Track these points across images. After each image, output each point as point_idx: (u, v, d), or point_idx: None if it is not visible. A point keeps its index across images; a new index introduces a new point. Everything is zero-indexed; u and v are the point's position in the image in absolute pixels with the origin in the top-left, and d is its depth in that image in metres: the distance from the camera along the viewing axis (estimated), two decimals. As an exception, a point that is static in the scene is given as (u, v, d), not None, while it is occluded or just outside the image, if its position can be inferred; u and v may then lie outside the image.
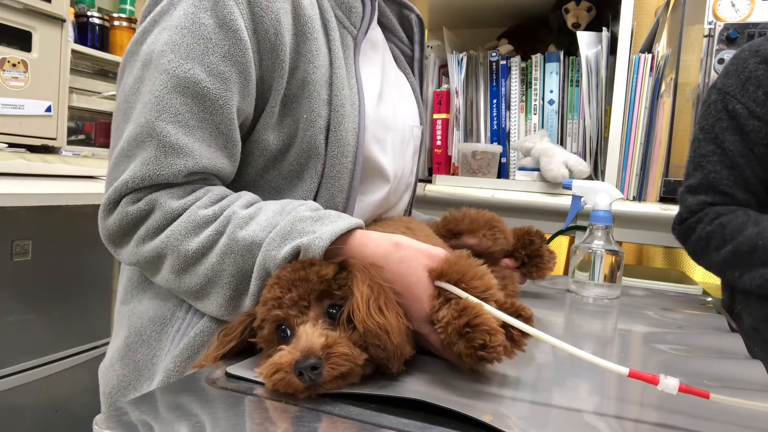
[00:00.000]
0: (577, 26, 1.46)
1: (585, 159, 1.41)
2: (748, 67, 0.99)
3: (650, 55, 1.33)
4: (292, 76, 0.68)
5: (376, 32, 0.84)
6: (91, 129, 1.89)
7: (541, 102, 1.48)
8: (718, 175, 1.01)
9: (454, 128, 1.54)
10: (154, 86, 0.61)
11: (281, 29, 0.65)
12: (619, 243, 1.10)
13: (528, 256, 0.89)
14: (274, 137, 0.68)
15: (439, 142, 1.59)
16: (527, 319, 0.50)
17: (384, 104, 0.80)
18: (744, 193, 1.00)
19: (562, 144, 1.46)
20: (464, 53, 1.52)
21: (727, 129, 1.00)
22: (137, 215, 0.61)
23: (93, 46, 1.84)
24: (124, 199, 0.62)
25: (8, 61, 1.35)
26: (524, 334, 0.49)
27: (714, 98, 1.03)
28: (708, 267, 1.05)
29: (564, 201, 1.35)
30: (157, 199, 0.61)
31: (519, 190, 1.42)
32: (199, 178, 0.64)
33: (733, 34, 1.25)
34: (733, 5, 1.27)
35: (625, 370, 0.46)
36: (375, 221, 0.81)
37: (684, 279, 1.32)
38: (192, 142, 0.61)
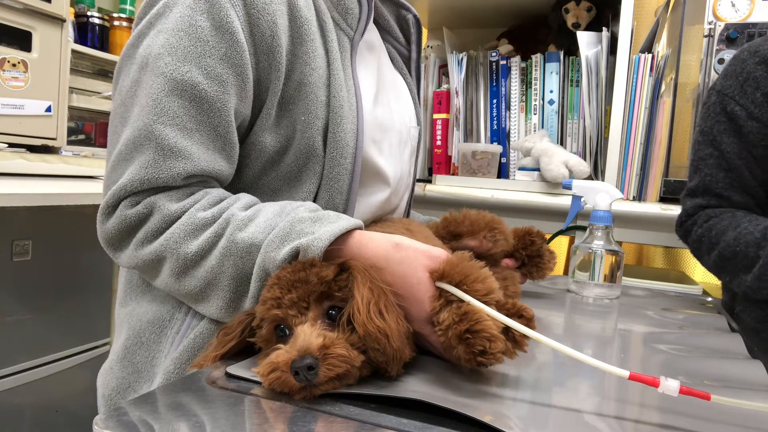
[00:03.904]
0: (577, 26, 1.46)
1: (585, 159, 1.41)
2: (747, 68, 0.98)
3: (650, 55, 1.33)
4: (288, 78, 0.67)
5: (372, 33, 0.84)
6: (91, 129, 1.89)
7: (541, 102, 1.48)
8: (713, 178, 1.00)
9: (454, 128, 1.54)
10: (152, 89, 0.61)
11: (277, 31, 0.65)
12: (619, 243, 1.10)
13: (528, 256, 0.89)
14: (272, 139, 0.68)
15: (439, 142, 1.58)
16: (529, 320, 0.50)
17: (380, 106, 0.79)
18: (741, 196, 0.99)
19: (562, 144, 1.46)
20: (464, 53, 1.52)
21: (726, 131, 0.99)
22: (136, 218, 0.61)
23: (93, 46, 1.84)
24: (123, 202, 0.62)
25: (8, 61, 1.35)
26: (526, 335, 0.49)
27: (713, 100, 1.02)
28: (706, 269, 1.05)
29: (564, 201, 1.35)
30: (156, 202, 0.61)
31: (519, 190, 1.42)
32: (198, 181, 0.64)
33: (733, 34, 1.25)
34: (733, 5, 1.27)
35: (626, 373, 0.46)
36: (374, 222, 0.81)
37: (684, 279, 1.32)
38: (190, 144, 0.61)
